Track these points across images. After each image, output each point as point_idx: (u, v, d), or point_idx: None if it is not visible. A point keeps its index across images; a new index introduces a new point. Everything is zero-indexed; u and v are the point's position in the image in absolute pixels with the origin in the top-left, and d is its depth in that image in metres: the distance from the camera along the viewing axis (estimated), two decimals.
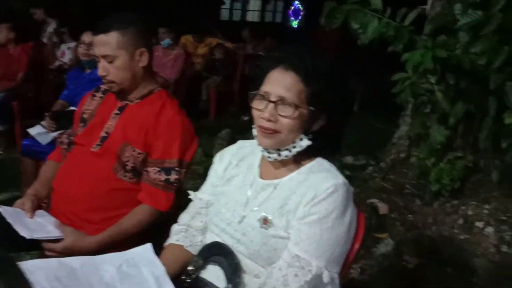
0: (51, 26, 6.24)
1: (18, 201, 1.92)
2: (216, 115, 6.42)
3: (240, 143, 1.63)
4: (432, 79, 2.57)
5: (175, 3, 9.18)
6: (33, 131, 3.34)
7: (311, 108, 1.36)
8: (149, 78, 1.99)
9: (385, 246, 2.95)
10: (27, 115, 4.46)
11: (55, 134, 3.26)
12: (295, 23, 15.57)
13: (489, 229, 2.89)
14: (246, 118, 6.49)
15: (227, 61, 6.63)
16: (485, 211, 2.95)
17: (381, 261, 2.87)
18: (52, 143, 3.18)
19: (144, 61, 1.93)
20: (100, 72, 1.91)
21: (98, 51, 1.90)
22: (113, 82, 1.91)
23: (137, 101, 1.97)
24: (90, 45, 3.41)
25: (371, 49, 3.14)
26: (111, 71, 1.89)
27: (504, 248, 2.82)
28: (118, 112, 1.98)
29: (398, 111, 3.70)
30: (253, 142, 1.51)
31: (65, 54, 5.81)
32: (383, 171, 3.55)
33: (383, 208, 3.17)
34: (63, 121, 3.30)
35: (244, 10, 15.07)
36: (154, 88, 2.00)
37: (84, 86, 3.48)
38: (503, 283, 2.69)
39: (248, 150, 1.58)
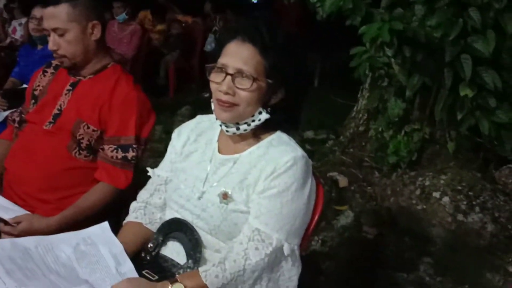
0: (1, 3, 6.00)
1: None
2: (175, 92, 6.32)
3: (199, 118, 1.60)
4: (389, 52, 2.59)
5: None
6: None
7: (269, 80, 1.34)
8: (102, 53, 1.93)
9: (345, 218, 3.00)
10: None
11: (7, 113, 3.13)
12: None
13: (446, 199, 2.97)
14: (206, 95, 6.38)
15: (185, 37, 6.51)
16: (442, 182, 3.04)
17: (341, 233, 2.92)
18: (4, 122, 3.06)
19: (96, 34, 1.87)
20: (51, 46, 1.84)
21: (48, 24, 1.83)
22: (64, 56, 1.84)
23: (90, 76, 1.91)
24: (41, 20, 3.26)
25: (330, 23, 3.14)
26: (62, 45, 1.82)
27: (460, 217, 2.92)
28: (70, 88, 1.91)
29: (357, 85, 3.73)
30: (212, 116, 1.48)
31: (16, 30, 5.60)
32: (343, 145, 3.59)
33: (343, 181, 3.22)
34: (15, 99, 3.16)
35: None
36: (108, 63, 1.94)
37: (35, 62, 3.34)
38: (459, 250, 2.78)
39: (206, 125, 1.55)
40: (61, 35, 1.81)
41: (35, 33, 3.43)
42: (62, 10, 1.80)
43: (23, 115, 2.01)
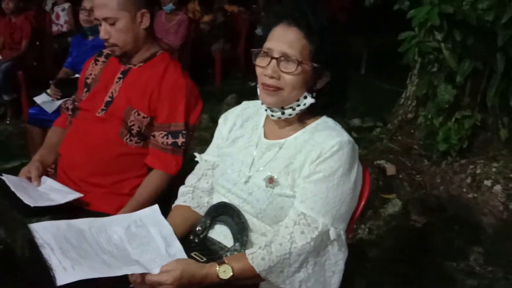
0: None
1: (24, 169, 1.93)
2: (221, 81, 6.38)
3: (245, 103, 1.62)
4: (439, 37, 2.52)
5: None
6: (39, 99, 3.34)
7: (315, 64, 1.34)
8: (151, 41, 1.97)
9: (393, 206, 2.96)
10: (32, 84, 4.48)
11: (60, 101, 3.25)
12: None
13: (497, 187, 2.88)
14: (252, 83, 6.44)
15: (230, 25, 6.55)
16: (493, 169, 2.95)
17: (389, 221, 2.89)
18: (58, 111, 3.19)
19: (145, 22, 1.91)
20: (102, 35, 1.89)
21: (99, 13, 1.88)
22: (115, 45, 1.90)
23: (140, 64, 1.96)
24: (91, 11, 3.37)
25: (376, 8, 3.08)
26: (113, 33, 1.87)
27: None
28: (121, 76, 1.97)
29: (406, 71, 3.66)
30: (258, 102, 1.50)
31: (60, 16, 5.72)
32: (391, 132, 3.53)
33: (390, 169, 3.17)
34: (68, 88, 3.29)
35: None
36: (157, 51, 1.98)
37: (87, 53, 3.44)
38: (511, 239, 2.71)
39: (252, 111, 1.57)
40: (112, 24, 1.86)
41: (86, 24, 3.53)
42: None
43: (76, 103, 2.09)
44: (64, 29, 5.49)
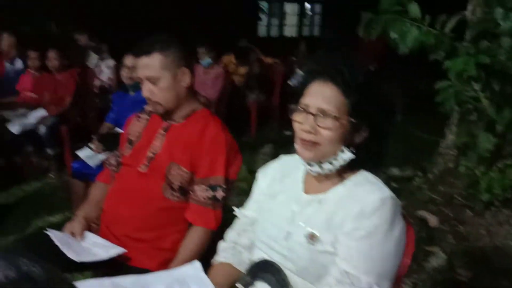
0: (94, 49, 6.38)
1: (68, 224, 1.98)
2: (257, 130, 6.44)
3: (283, 158, 1.64)
4: (476, 86, 2.51)
5: (212, 22, 9.33)
6: (82, 153, 3.44)
7: (352, 119, 1.36)
8: (191, 98, 2.03)
9: (437, 259, 2.87)
10: (75, 138, 4.63)
11: (103, 156, 3.36)
12: (332, 35, 15.51)
13: None
14: (287, 132, 6.47)
15: (265, 77, 6.67)
16: None
17: (433, 275, 2.80)
18: (101, 165, 3.28)
19: (186, 80, 1.98)
20: (145, 94, 1.96)
21: (141, 73, 1.95)
22: (158, 103, 1.96)
23: (181, 120, 2.02)
24: (132, 68, 3.51)
25: (411, 56, 3.10)
26: (156, 92, 1.94)
27: None
28: (163, 132, 2.02)
29: (443, 119, 3.62)
30: (296, 156, 1.51)
31: (104, 72, 5.93)
32: (431, 182, 3.47)
33: (432, 220, 3.10)
34: (110, 143, 3.39)
35: (281, 26, 15.14)
36: (197, 107, 2.04)
37: (128, 108, 3.56)
38: None
39: (291, 165, 1.58)
40: (154, 83, 1.93)
41: (127, 80, 3.67)
42: (154, 59, 1.92)
43: (119, 159, 2.15)
44: (107, 85, 5.68)
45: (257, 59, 6.68)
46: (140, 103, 3.45)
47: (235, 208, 1.65)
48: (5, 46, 5.46)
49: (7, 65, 5.42)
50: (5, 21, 6.14)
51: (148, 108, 2.15)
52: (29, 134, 4.62)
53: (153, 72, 1.92)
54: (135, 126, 2.15)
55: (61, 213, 3.83)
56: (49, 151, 4.69)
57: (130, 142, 2.12)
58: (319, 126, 1.35)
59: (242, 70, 6.71)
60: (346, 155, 1.39)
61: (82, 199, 3.25)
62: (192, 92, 2.04)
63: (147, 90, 1.95)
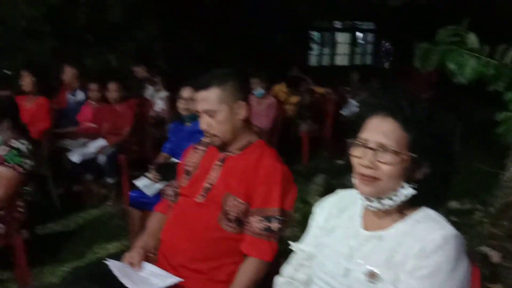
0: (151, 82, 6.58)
1: (127, 255, 2.03)
2: (309, 159, 6.42)
3: (340, 192, 1.62)
4: None
5: (264, 52, 9.47)
6: (140, 183, 3.52)
7: (413, 154, 1.34)
8: (247, 130, 2.07)
9: None
10: (132, 167, 4.76)
11: (160, 185, 3.43)
12: (386, 64, 15.42)
13: None
14: (340, 162, 6.44)
15: (317, 106, 6.68)
16: None
17: None
18: (158, 194, 3.36)
19: (243, 113, 2.02)
20: (203, 126, 2.01)
21: (200, 106, 2.01)
22: (215, 135, 2.01)
23: (237, 152, 2.05)
24: (189, 100, 3.60)
25: (468, 86, 3.03)
26: (213, 125, 1.99)
27: None
28: (219, 163, 2.06)
29: (502, 150, 3.49)
30: (354, 191, 1.49)
31: (158, 103, 6.09)
32: (492, 216, 3.33)
33: (495, 256, 2.96)
34: (167, 172, 3.47)
35: (333, 55, 15.18)
36: (253, 139, 2.07)
37: (185, 138, 3.65)
38: None
39: (348, 200, 1.56)
40: (212, 116, 1.99)
41: (184, 112, 3.76)
42: (212, 93, 1.98)
43: (176, 189, 2.20)
44: (162, 115, 5.84)
45: (308, 89, 6.71)
46: (195, 134, 3.54)
47: (291, 243, 1.64)
48: (67, 78, 5.73)
49: (69, 96, 5.67)
50: (68, 54, 6.47)
51: (205, 139, 2.20)
52: (89, 163, 4.80)
53: (210, 106, 1.98)
54: (193, 157, 2.20)
55: (118, 241, 3.93)
56: (108, 179, 4.84)
57: (188, 172, 2.16)
58: (378, 161, 1.34)
59: (294, 99, 6.75)
60: (407, 191, 1.36)
61: (139, 228, 3.35)
62: (248, 124, 2.08)
63: (204, 123, 2.00)
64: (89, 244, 3.91)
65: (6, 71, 6.21)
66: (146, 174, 3.58)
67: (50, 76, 5.78)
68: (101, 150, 4.81)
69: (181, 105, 3.72)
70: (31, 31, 6.69)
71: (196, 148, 2.22)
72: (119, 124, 5.08)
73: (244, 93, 2.06)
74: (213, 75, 2.02)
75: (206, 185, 2.03)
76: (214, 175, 2.04)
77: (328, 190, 4.64)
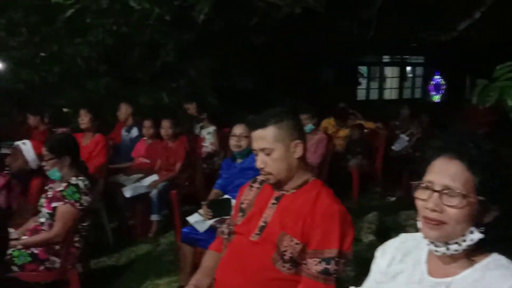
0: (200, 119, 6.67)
1: None
2: (359, 196, 6.29)
3: (403, 236, 1.56)
4: None
5: (311, 87, 9.50)
6: (192, 219, 3.54)
7: (480, 198, 1.28)
8: (303, 169, 2.05)
9: None
10: (184, 202, 4.81)
11: (211, 221, 3.43)
12: (436, 98, 15.16)
13: None
14: (392, 199, 6.28)
15: (367, 141, 6.58)
16: None
17: None
18: (209, 231, 3.36)
19: (299, 152, 2.01)
20: (259, 164, 2.01)
21: (256, 145, 2.02)
22: (270, 173, 2.00)
23: (293, 191, 2.03)
24: (240, 137, 3.62)
25: None
26: (269, 163, 1.99)
27: None
28: (275, 202, 2.04)
29: None
30: (417, 235, 1.44)
31: (206, 139, 6.17)
32: None
33: None
34: (218, 209, 3.48)
35: (381, 88, 15.07)
36: (309, 178, 2.05)
37: (236, 175, 3.67)
38: None
39: (412, 244, 1.50)
40: (268, 154, 1.99)
41: (236, 148, 3.77)
42: (269, 132, 1.99)
43: (231, 227, 2.19)
44: (210, 150, 5.90)
45: (358, 124, 6.63)
46: (247, 171, 3.55)
47: None
48: (122, 115, 5.91)
49: (124, 133, 5.83)
50: (122, 92, 6.69)
51: (260, 177, 2.19)
52: (141, 197, 4.88)
53: (267, 144, 1.98)
54: (248, 194, 2.19)
55: (168, 276, 3.94)
56: (156, 215, 4.90)
57: (242, 210, 2.15)
58: (445, 204, 1.29)
59: (342, 132, 6.70)
60: (475, 236, 1.30)
61: (190, 264, 3.35)
62: (304, 163, 2.06)
63: (260, 160, 2.00)
64: (141, 279, 3.94)
65: (65, 109, 6.46)
66: (199, 211, 3.59)
67: (105, 114, 5.99)
68: (153, 185, 4.90)
69: (233, 142, 3.74)
70: (88, 70, 6.97)
71: (251, 186, 2.22)
72: (171, 160, 5.17)
73: (300, 132, 2.06)
74: (270, 114, 2.03)
75: (261, 223, 2.02)
76: (269, 213, 2.02)
77: (380, 228, 4.54)
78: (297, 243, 1.91)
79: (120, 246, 4.70)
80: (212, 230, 3.37)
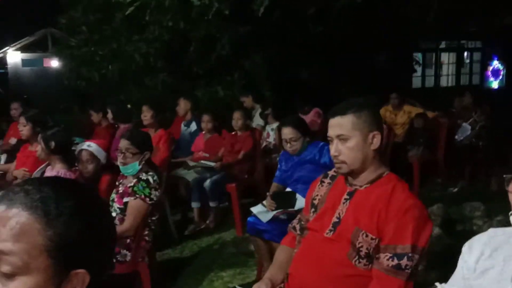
0: (257, 111, 6.70)
1: (255, 286, 2.03)
2: (420, 187, 6.12)
3: (492, 231, 1.51)
4: None
5: (367, 75, 9.32)
6: (255, 209, 3.59)
7: None
8: (378, 162, 2.00)
9: None
10: (242, 195, 4.85)
11: (274, 212, 3.47)
12: (494, 84, 14.57)
13: None
14: (454, 189, 6.08)
15: (428, 131, 6.40)
16: None
17: None
18: (272, 222, 3.41)
19: (376, 144, 1.97)
20: (333, 152, 1.99)
21: (332, 131, 1.99)
22: (344, 162, 1.96)
23: (367, 185, 1.98)
24: (291, 141, 3.63)
25: None
26: (344, 151, 1.95)
27: None
28: (347, 197, 2.01)
29: None
30: (507, 230, 1.39)
31: (270, 135, 6.16)
32: None
33: None
34: (282, 201, 3.52)
35: (437, 76, 14.61)
36: (383, 172, 2.00)
37: (295, 168, 3.68)
38: None
39: (502, 239, 1.45)
40: (344, 142, 1.95)
41: (291, 152, 3.76)
42: (348, 119, 1.95)
43: (302, 223, 2.18)
44: (271, 146, 5.89)
45: (421, 113, 6.46)
46: (305, 164, 3.54)
47: (437, 284, 1.54)
48: (181, 110, 5.99)
49: (183, 127, 5.92)
50: (181, 88, 6.79)
51: (331, 172, 2.17)
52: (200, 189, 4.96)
53: (344, 131, 1.95)
54: (319, 190, 2.16)
55: (232, 268, 3.98)
56: (215, 202, 4.96)
57: (314, 206, 2.13)
58: None
59: (400, 118, 6.55)
60: None
61: (264, 255, 3.42)
62: (380, 156, 2.01)
63: (335, 148, 1.97)
64: (205, 271, 4.00)
65: (128, 106, 6.61)
66: (263, 202, 3.63)
67: (164, 109, 6.09)
68: (218, 166, 4.99)
69: (286, 147, 3.73)
70: (146, 67, 7.11)
71: (322, 181, 2.19)
72: (237, 147, 5.20)
73: (379, 124, 2.02)
74: (349, 103, 2.01)
75: (335, 219, 1.99)
76: (342, 209, 1.99)
77: (445, 220, 4.41)
78: (372, 238, 1.87)
79: (183, 238, 4.79)
80: (275, 221, 3.41)
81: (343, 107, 1.99)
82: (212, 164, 5.11)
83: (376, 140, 1.96)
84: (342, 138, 1.96)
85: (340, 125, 1.96)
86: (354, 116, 1.95)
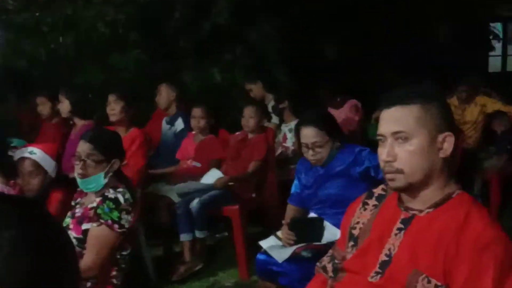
0: (269, 104, 6.62)
1: None
2: (501, 209, 6.09)
3: None
4: None
5: (421, 53, 9.32)
6: (266, 243, 3.57)
7: None
8: (447, 176, 2.00)
9: None
10: (248, 221, 4.85)
11: (293, 248, 3.43)
12: None
13: None
14: None
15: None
16: None
17: None
18: (291, 261, 3.37)
19: (447, 149, 1.96)
20: (385, 157, 1.96)
21: (386, 127, 1.98)
22: (400, 171, 1.94)
23: (430, 210, 1.98)
24: (314, 147, 3.60)
25: None
26: (401, 155, 1.94)
27: None
28: (402, 226, 2.01)
29: None
30: None
31: (287, 137, 6.12)
32: None
33: None
34: (305, 231, 3.48)
35: None
36: (454, 191, 2.00)
37: (320, 183, 3.65)
38: None
39: None
40: (402, 143, 1.94)
41: (315, 163, 3.75)
42: (411, 111, 1.94)
43: (336, 261, 2.18)
44: (290, 153, 5.85)
45: (498, 111, 6.46)
46: (336, 178, 3.50)
47: None
48: (162, 102, 5.94)
49: (165, 126, 5.90)
50: (162, 70, 6.75)
51: (377, 191, 2.16)
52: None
53: (404, 127, 1.94)
54: (361, 216, 2.17)
55: None
56: (203, 232, 4.88)
57: (354, 238, 2.13)
58: None
59: (469, 115, 6.54)
60: None
61: None
62: (450, 170, 2.01)
63: (388, 151, 1.95)
64: None
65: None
66: (276, 233, 3.61)
67: (138, 99, 6.03)
68: (219, 184, 4.90)
69: (308, 156, 3.69)
70: (113, 40, 7.08)
71: (365, 204, 2.19)
72: (246, 155, 5.19)
73: (451, 122, 2.03)
74: (414, 89, 2.01)
75: (384, 257, 1.99)
76: (394, 243, 1.99)
77: None
78: (437, 286, 1.87)
79: (164, 283, 4.77)
80: (294, 260, 3.38)
81: (405, 95, 1.98)
82: (211, 182, 5.01)
83: (447, 145, 1.96)
84: (400, 137, 1.94)
85: (400, 118, 1.95)
86: (421, 108, 1.94)
